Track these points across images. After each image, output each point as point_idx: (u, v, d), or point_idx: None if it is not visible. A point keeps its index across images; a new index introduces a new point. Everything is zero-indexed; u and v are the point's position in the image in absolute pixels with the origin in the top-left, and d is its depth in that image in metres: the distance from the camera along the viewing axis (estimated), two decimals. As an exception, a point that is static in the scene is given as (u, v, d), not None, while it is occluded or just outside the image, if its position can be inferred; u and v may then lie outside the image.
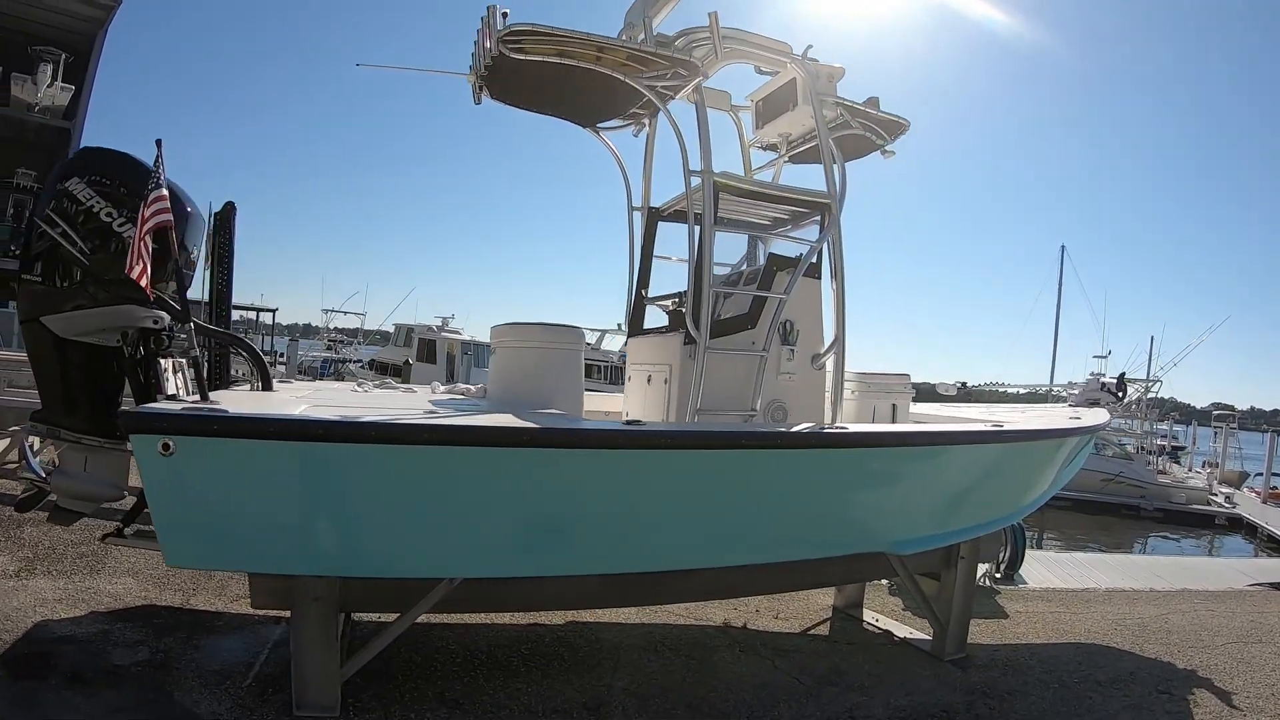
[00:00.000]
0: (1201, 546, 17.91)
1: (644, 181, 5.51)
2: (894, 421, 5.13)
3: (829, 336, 4.65)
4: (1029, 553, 9.50)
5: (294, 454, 2.91)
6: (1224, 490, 22.38)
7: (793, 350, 4.52)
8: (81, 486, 4.00)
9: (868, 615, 5.89)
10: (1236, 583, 8.42)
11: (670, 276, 5.30)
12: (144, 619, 4.42)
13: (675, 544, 3.57)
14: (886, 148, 5.43)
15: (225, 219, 6.18)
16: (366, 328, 31.24)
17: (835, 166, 4.67)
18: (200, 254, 5.51)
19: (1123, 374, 7.56)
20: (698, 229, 4.24)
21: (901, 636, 5.43)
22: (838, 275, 4.59)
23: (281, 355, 23.86)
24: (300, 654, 3.32)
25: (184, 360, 5.45)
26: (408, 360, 22.80)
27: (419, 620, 4.65)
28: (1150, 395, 24.38)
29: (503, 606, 4.26)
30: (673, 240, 5.34)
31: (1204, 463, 27.37)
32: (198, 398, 3.81)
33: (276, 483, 2.96)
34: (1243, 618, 6.76)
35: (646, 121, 5.40)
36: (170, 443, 2.76)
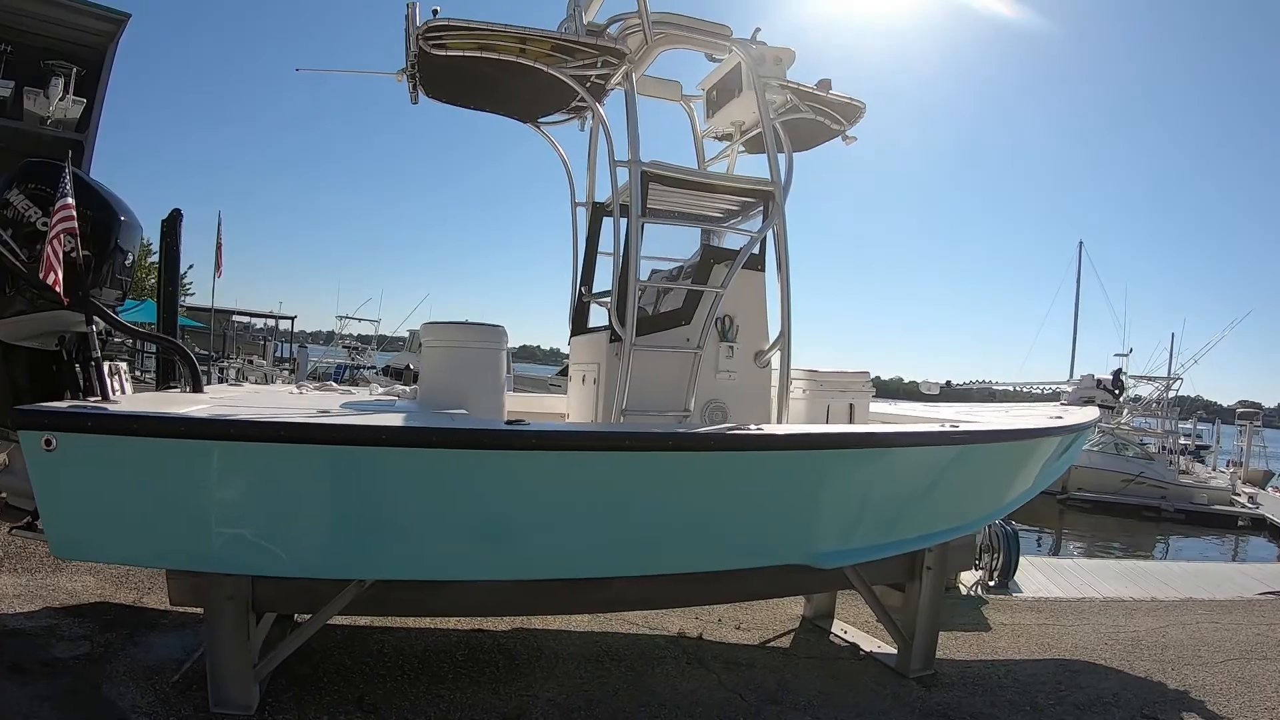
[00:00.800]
0: (1224, 549, 17.02)
1: (588, 176, 5.21)
2: (851, 422, 4.75)
3: (775, 333, 4.30)
4: (1028, 559, 8.97)
5: (163, 450, 2.88)
6: (1248, 490, 21.36)
7: (732, 347, 4.18)
8: (26, 485, 4.06)
9: (837, 626, 5.51)
10: (1249, 590, 7.82)
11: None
12: (94, 615, 4.48)
13: (565, 551, 3.33)
14: (846, 133, 5.08)
15: (171, 225, 6.12)
16: (382, 333, 31.40)
17: (780, 153, 4.33)
18: (135, 257, 5.49)
19: (1118, 370, 7.04)
20: (625, 222, 3.95)
21: (868, 651, 5.04)
22: (783, 267, 4.25)
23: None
24: (214, 652, 3.32)
25: (122, 364, 5.43)
26: (409, 366, 22.75)
27: (361, 624, 4.70)
28: (1172, 393, 23.33)
29: (412, 610, 4.17)
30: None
31: (1228, 462, 26.14)
32: (99, 398, 3.78)
33: (149, 478, 2.92)
34: (1249, 630, 6.21)
35: (590, 114, 5.10)
36: (52, 439, 2.79)
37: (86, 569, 5.33)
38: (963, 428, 3.86)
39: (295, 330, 36.77)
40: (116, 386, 5.33)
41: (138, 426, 2.88)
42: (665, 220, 4.44)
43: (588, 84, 4.25)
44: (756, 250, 4.30)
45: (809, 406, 4.76)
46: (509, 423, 3.15)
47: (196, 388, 4.54)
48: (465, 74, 4.26)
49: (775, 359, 4.27)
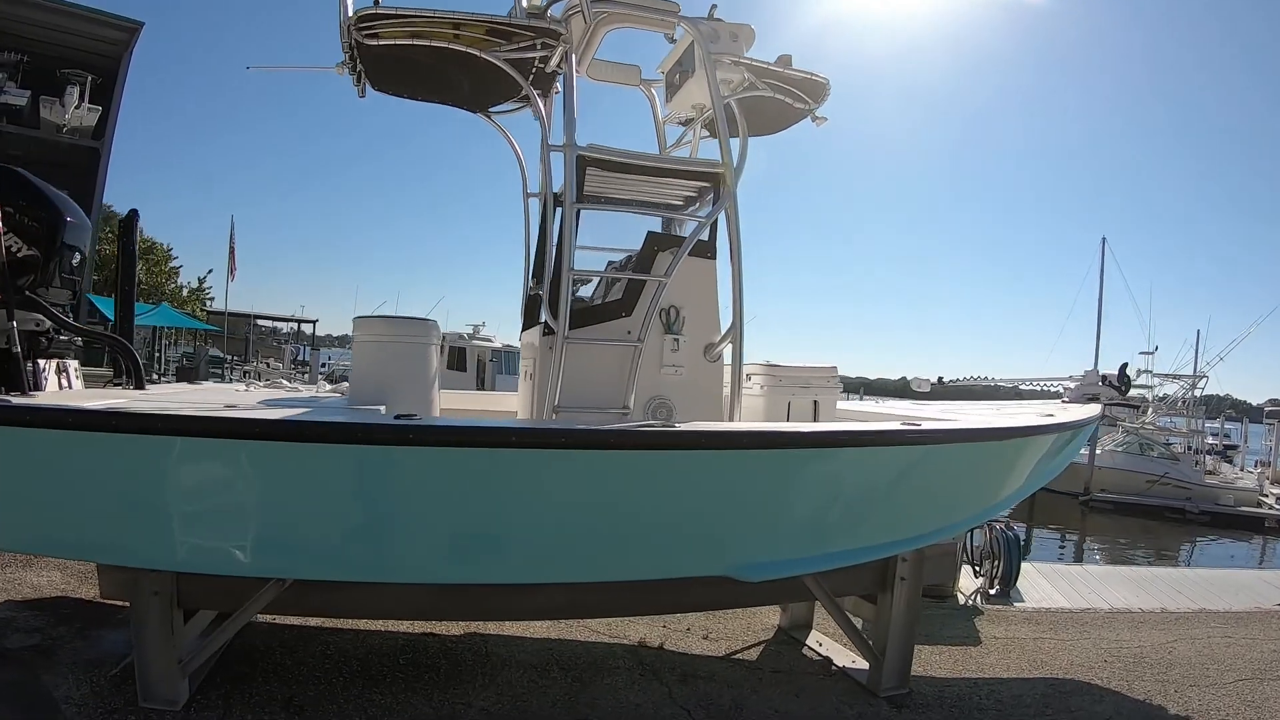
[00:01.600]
0: (1251, 552, 16.12)
1: (541, 166, 4.92)
2: (815, 420, 4.36)
3: (728, 325, 3.95)
4: (1034, 566, 8.41)
5: (54, 441, 2.81)
6: (1276, 491, 20.31)
7: (677, 339, 3.84)
8: None
9: (813, 639, 5.11)
10: (1269, 600, 7.20)
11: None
12: (51, 609, 4.52)
13: (451, 554, 3.11)
14: (816, 113, 4.71)
15: (128, 226, 6.07)
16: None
17: (735, 135, 4.03)
18: (85, 256, 5.43)
19: (1124, 365, 6.48)
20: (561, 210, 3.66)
21: (840, 666, 4.64)
22: (735, 254, 3.90)
23: (322, 365, 24.15)
24: (141, 646, 3.29)
25: (72, 361, 5.31)
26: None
27: (311, 624, 4.57)
28: (1198, 391, 22.28)
29: (331, 612, 4.07)
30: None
31: (1256, 462, 24.92)
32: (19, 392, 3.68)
33: (46, 468, 2.87)
34: (1265, 646, 5.65)
35: (541, 102, 4.83)
36: None
37: (55, 564, 5.36)
38: (925, 427, 3.44)
39: (317, 334, 37.23)
40: (65, 383, 5.23)
41: (31, 418, 2.80)
42: (606, 206, 4.13)
43: (531, 69, 4.02)
44: (706, 237, 3.95)
45: (768, 403, 4.38)
46: (397, 417, 2.91)
47: (138, 384, 4.51)
48: (409, 64, 4.09)
49: (728, 353, 3.92)
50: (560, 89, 4.84)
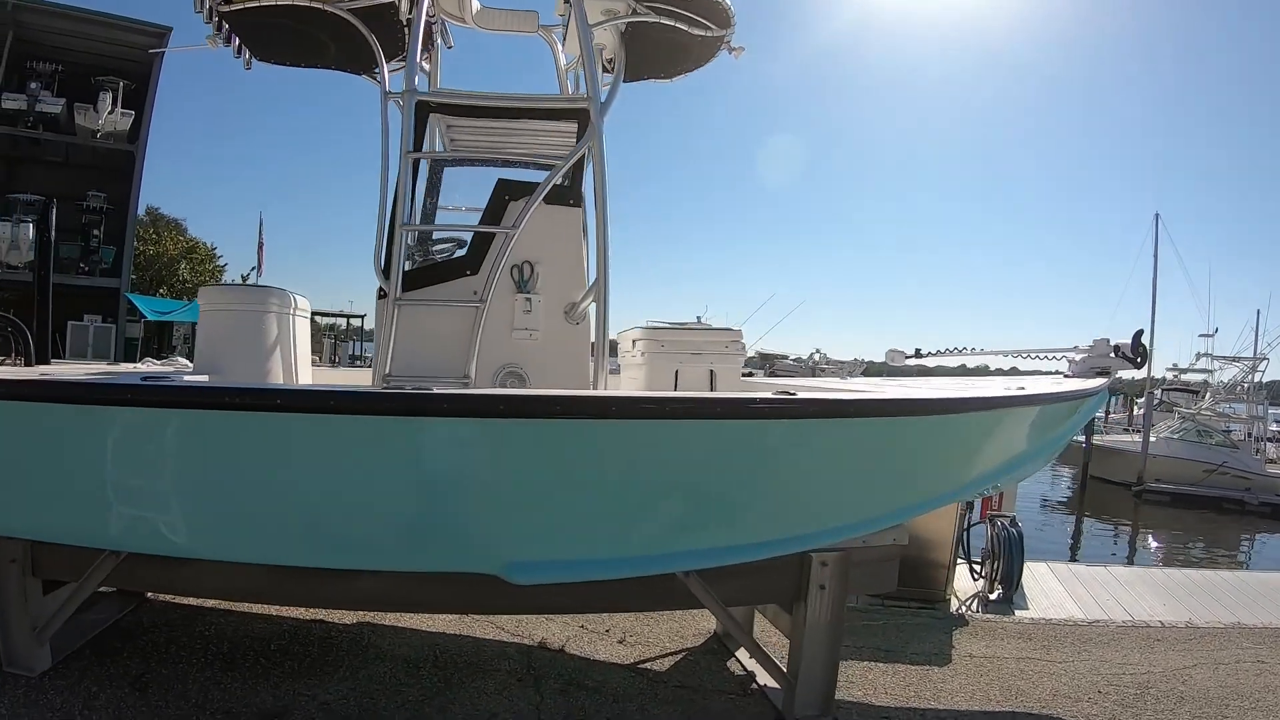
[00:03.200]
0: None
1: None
2: (711, 390, 3.61)
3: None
4: (1049, 565, 7.34)
5: None
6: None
7: (530, 299, 3.18)
8: None
9: (745, 650, 4.35)
10: (1325, 614, 5.95)
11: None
12: None
13: (203, 527, 2.79)
14: (730, 43, 3.94)
15: (43, 215, 6.07)
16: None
17: (593, 59, 3.49)
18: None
19: (1139, 332, 5.38)
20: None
21: (761, 685, 3.89)
22: (600, 201, 3.20)
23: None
24: (2, 613, 3.27)
25: None
26: None
27: (209, 605, 4.39)
28: (1258, 376, 20.04)
29: (160, 588, 3.99)
30: (459, 187, 4.20)
31: (1325, 452, 22.28)
32: None
33: None
34: (1306, 675, 4.55)
35: (426, 57, 4.30)
36: None
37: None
38: (802, 396, 2.63)
39: (362, 328, 38.00)
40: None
41: None
42: (446, 156, 3.56)
43: (397, 21, 3.64)
44: (566, 183, 3.26)
45: (650, 372, 3.67)
46: (144, 378, 2.69)
47: (27, 361, 4.45)
48: (280, 29, 3.76)
49: (592, 314, 3.24)
50: (446, 44, 4.33)
